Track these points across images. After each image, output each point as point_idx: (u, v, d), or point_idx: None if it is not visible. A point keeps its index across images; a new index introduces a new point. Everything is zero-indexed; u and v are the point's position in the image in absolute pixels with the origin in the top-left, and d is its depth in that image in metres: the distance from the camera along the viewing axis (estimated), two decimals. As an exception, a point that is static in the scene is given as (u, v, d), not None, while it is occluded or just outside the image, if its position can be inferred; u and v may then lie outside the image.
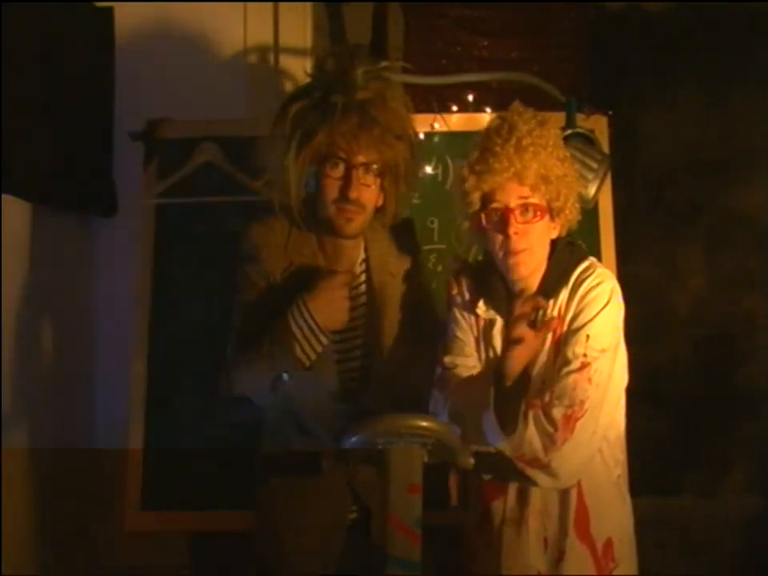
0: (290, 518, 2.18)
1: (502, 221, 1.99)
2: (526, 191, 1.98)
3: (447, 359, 2.11)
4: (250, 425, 2.30)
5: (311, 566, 2.15)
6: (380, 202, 2.17)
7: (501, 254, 2.01)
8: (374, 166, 2.11)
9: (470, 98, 3.15)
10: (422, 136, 2.62)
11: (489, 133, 2.02)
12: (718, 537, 3.30)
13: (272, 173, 2.17)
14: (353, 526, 2.20)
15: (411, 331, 2.23)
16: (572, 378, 1.96)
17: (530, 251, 2.00)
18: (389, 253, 2.25)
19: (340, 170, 2.10)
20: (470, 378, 2.06)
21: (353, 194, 2.09)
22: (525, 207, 1.99)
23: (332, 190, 2.11)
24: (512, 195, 1.98)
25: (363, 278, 2.23)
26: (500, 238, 2.00)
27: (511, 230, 1.97)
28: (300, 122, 2.11)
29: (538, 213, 1.99)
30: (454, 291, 2.16)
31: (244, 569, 2.65)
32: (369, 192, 2.12)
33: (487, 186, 1.99)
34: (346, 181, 2.09)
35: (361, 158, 2.09)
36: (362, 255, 2.23)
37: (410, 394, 2.12)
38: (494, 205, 2.00)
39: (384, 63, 2.21)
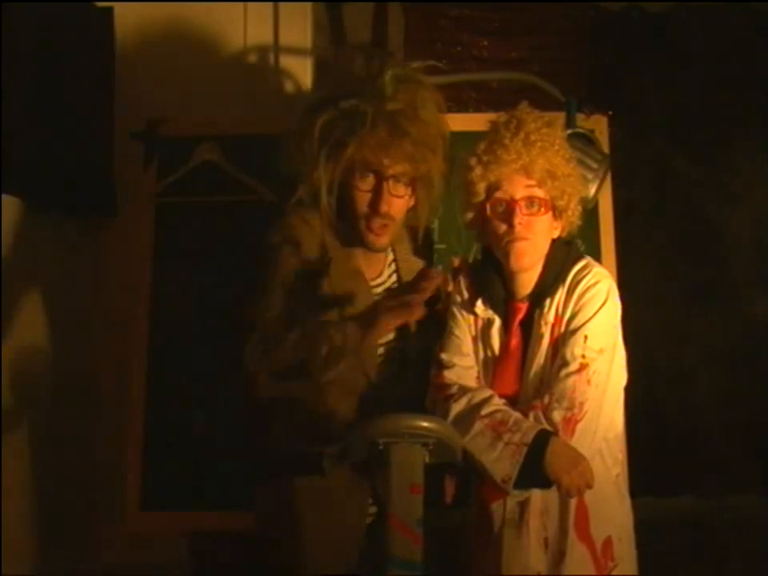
0: (311, 517, 2.15)
1: (507, 211, 2.00)
2: (532, 183, 2.00)
3: (444, 357, 2.11)
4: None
5: (333, 565, 2.13)
6: (411, 204, 2.15)
7: (503, 242, 2.01)
8: (406, 177, 2.08)
9: (470, 97, 3.16)
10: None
11: (497, 126, 2.04)
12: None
13: (302, 188, 2.12)
14: (373, 523, 2.18)
15: (432, 331, 2.22)
16: (571, 379, 1.96)
17: (532, 242, 2.02)
18: (410, 251, 2.26)
19: (370, 181, 2.07)
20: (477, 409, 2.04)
21: (383, 208, 2.06)
22: (530, 200, 2.00)
23: (362, 203, 2.08)
24: (518, 187, 2.00)
25: (394, 278, 2.23)
26: (504, 227, 2.01)
27: (516, 221, 1.99)
28: (328, 134, 2.06)
29: (543, 207, 2.01)
30: (450, 288, 2.17)
31: (244, 569, 2.64)
32: (400, 203, 2.10)
33: (494, 176, 2.00)
34: (377, 194, 2.06)
35: (391, 171, 2.06)
36: (391, 256, 2.23)
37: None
38: (500, 195, 2.01)
39: (415, 64, 2.17)
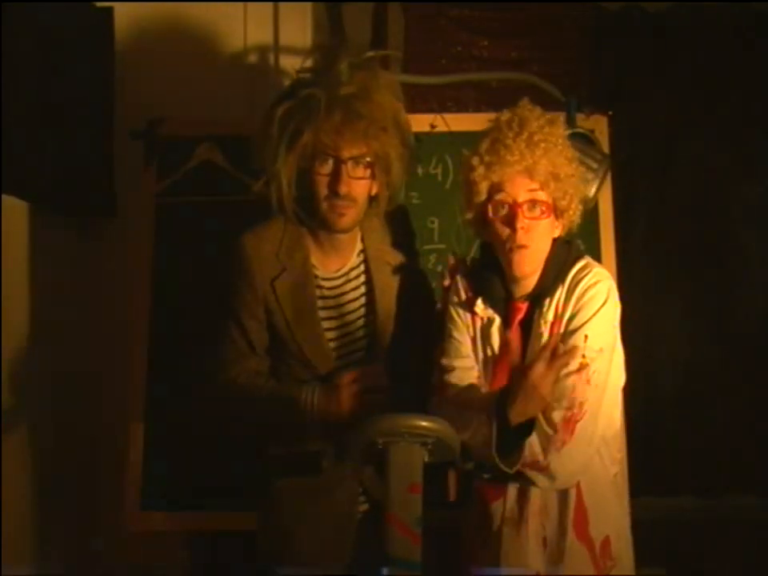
0: (302, 514, 2.18)
1: (510, 214, 1.99)
2: (534, 186, 1.99)
3: (444, 361, 2.11)
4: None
5: (326, 560, 2.16)
6: (373, 191, 2.17)
7: (505, 247, 2.01)
8: (364, 159, 2.11)
9: (470, 97, 3.16)
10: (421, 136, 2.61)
11: (499, 125, 2.02)
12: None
13: (266, 175, 2.17)
14: (365, 517, 2.20)
15: (409, 320, 2.23)
16: (571, 379, 1.95)
17: (534, 248, 2.01)
18: (385, 242, 2.26)
19: (329, 166, 2.10)
20: (471, 402, 2.05)
21: (342, 190, 2.09)
22: (533, 203, 1.99)
23: (322, 186, 2.11)
24: (521, 189, 1.99)
25: (362, 268, 2.23)
26: (506, 231, 2.00)
27: (518, 225, 1.98)
28: (287, 122, 2.11)
29: (545, 209, 2.00)
30: (446, 282, 2.17)
31: (244, 569, 2.64)
32: (360, 185, 2.12)
33: (496, 177, 1.99)
34: (335, 176, 2.09)
35: (347, 153, 2.09)
36: (359, 246, 2.24)
37: (409, 386, 2.13)
38: (502, 197, 2.00)
39: (369, 53, 2.20)
